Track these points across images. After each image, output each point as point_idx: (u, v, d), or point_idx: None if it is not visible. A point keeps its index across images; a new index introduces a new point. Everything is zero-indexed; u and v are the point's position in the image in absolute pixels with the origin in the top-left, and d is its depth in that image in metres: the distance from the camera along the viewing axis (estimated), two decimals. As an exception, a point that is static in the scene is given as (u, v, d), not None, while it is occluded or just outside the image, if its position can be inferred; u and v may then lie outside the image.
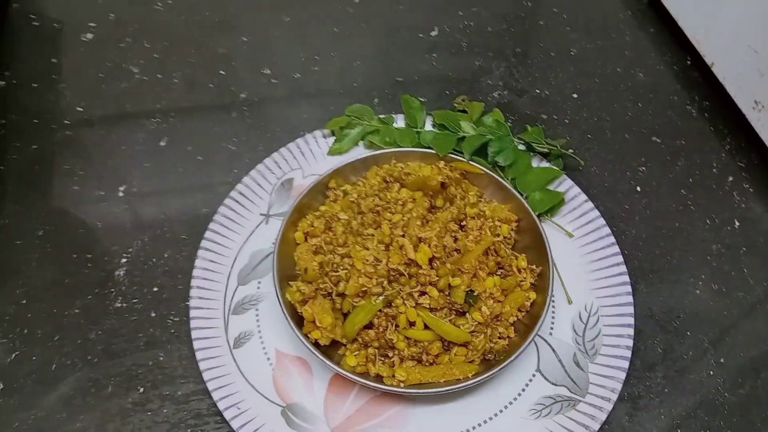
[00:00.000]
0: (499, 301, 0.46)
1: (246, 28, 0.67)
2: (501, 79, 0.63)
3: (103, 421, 0.45)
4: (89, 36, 0.66)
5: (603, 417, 0.44)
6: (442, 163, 0.52)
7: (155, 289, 0.51)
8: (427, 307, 0.44)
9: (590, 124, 0.60)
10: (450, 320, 0.45)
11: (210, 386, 0.45)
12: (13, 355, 0.48)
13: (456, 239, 0.47)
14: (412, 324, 0.45)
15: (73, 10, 0.68)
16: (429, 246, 0.45)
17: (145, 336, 0.49)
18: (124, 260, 0.52)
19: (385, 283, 0.45)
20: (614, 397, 0.45)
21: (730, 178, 0.57)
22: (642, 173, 0.57)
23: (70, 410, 0.46)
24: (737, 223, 0.54)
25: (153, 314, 0.50)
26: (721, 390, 0.47)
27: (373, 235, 0.47)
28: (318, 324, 0.45)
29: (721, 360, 0.48)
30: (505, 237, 0.48)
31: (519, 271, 0.48)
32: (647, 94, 0.62)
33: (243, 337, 0.48)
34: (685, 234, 0.54)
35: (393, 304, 0.45)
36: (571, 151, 0.56)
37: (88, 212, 0.55)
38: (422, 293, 0.45)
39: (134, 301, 0.50)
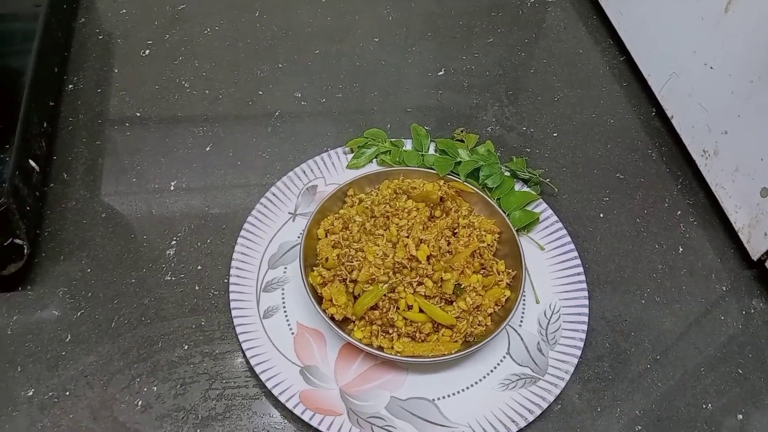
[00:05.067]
0: (480, 295, 0.56)
1: (282, 56, 0.78)
2: (494, 116, 0.75)
3: (155, 370, 0.55)
4: (147, 52, 0.77)
5: (557, 392, 0.54)
6: (441, 182, 0.63)
7: (199, 267, 0.61)
8: (423, 294, 0.55)
9: (566, 159, 0.71)
10: (440, 306, 0.55)
11: (244, 346, 0.55)
12: (79, 313, 0.58)
13: (449, 243, 0.57)
14: (409, 307, 0.55)
15: (133, 29, 0.79)
16: (428, 246, 0.56)
17: (189, 304, 0.59)
18: (173, 242, 0.63)
19: (391, 273, 0.55)
20: (567, 377, 0.55)
21: (679, 212, 0.68)
22: (605, 203, 0.68)
23: (127, 360, 0.56)
24: (681, 249, 0.65)
25: (197, 287, 0.60)
26: (655, 380, 0.57)
27: (382, 235, 0.58)
28: (334, 302, 0.56)
29: (657, 357, 0.59)
30: (488, 244, 0.59)
31: (498, 273, 0.59)
32: (616, 137, 0.74)
33: (271, 310, 0.58)
34: (637, 255, 0.65)
35: (395, 291, 0.55)
36: (548, 180, 0.68)
37: (145, 201, 0.65)
38: (419, 283, 0.55)
39: (181, 276, 0.61)
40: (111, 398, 0.54)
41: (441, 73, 0.78)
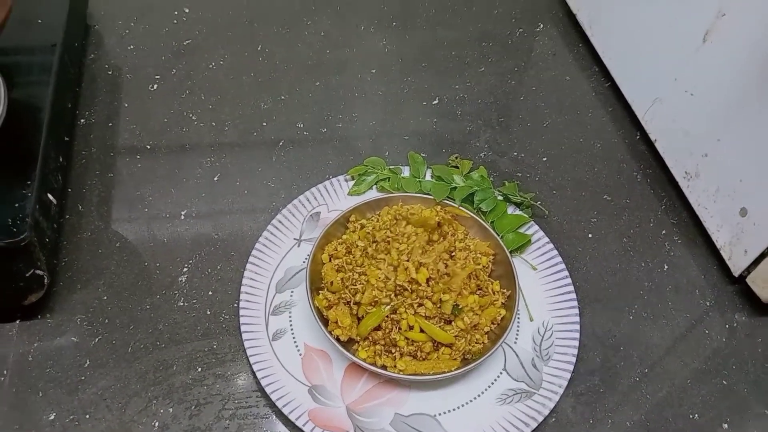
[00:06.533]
0: (477, 314, 0.60)
1: (284, 88, 0.82)
2: (486, 142, 0.78)
3: (170, 392, 0.58)
4: (155, 86, 0.81)
5: (551, 405, 0.58)
6: (438, 207, 0.66)
7: (210, 292, 0.64)
8: (423, 315, 0.58)
9: (555, 182, 0.75)
10: (440, 326, 0.59)
11: (255, 368, 0.58)
12: (97, 339, 0.61)
13: (446, 266, 0.61)
14: (411, 327, 0.58)
15: (141, 64, 0.83)
16: (427, 269, 0.59)
17: (202, 328, 0.62)
18: (185, 269, 0.66)
19: (392, 295, 0.59)
20: (561, 391, 0.58)
21: (664, 231, 0.72)
22: (593, 223, 0.72)
23: (144, 383, 0.59)
24: (666, 267, 0.69)
25: (208, 312, 0.63)
26: (644, 392, 0.60)
27: (384, 259, 0.61)
28: (339, 324, 0.59)
29: (646, 370, 0.62)
30: (484, 266, 0.63)
31: (493, 293, 0.62)
32: (603, 161, 0.77)
33: (279, 333, 0.61)
34: (625, 273, 0.68)
35: (397, 312, 0.58)
36: (539, 203, 0.71)
37: (157, 230, 0.68)
38: (420, 305, 0.59)
39: (193, 301, 0.64)
40: (129, 420, 0.56)
41: (435, 102, 0.82)
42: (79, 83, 0.80)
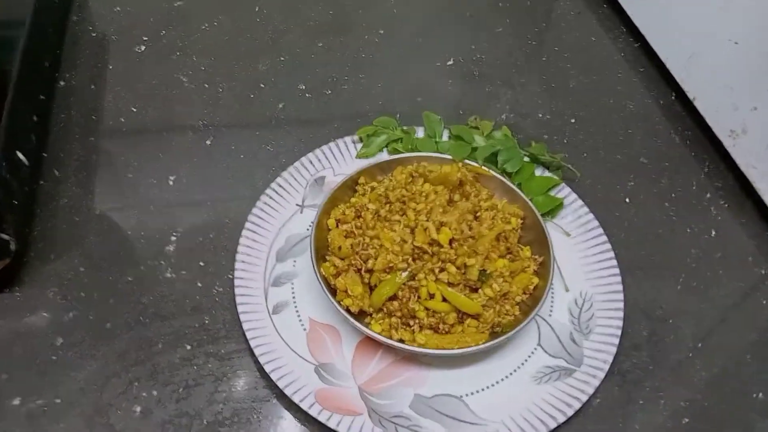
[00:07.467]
0: (507, 281, 0.52)
1: (284, 50, 0.75)
2: (508, 104, 0.71)
3: (154, 373, 0.51)
4: (142, 48, 0.74)
5: (596, 383, 0.50)
6: (460, 164, 0.59)
7: (201, 263, 0.57)
8: (446, 282, 0.51)
9: (586, 145, 0.68)
10: (465, 294, 0.51)
11: (252, 344, 0.50)
12: (71, 314, 0.53)
13: (471, 228, 0.53)
14: (431, 296, 0.51)
15: (128, 27, 0.76)
16: (450, 228, 0.51)
17: (192, 302, 0.55)
18: (173, 238, 0.58)
19: (410, 260, 0.51)
20: (606, 367, 0.51)
21: (708, 195, 0.64)
22: (630, 187, 0.64)
23: (124, 363, 0.51)
24: (713, 233, 0.62)
25: (199, 284, 0.56)
26: (698, 369, 0.53)
27: (399, 221, 0.53)
28: (349, 293, 0.51)
29: (699, 345, 0.54)
30: (514, 228, 0.55)
31: (525, 259, 0.54)
32: (636, 123, 0.70)
33: (280, 306, 0.54)
34: (668, 239, 0.61)
35: (416, 279, 0.51)
36: (569, 165, 0.64)
37: (142, 197, 0.61)
38: (442, 270, 0.51)
39: (182, 272, 0.56)
40: (106, 405, 0.49)
41: (450, 62, 0.75)
42: (60, 44, 0.73)
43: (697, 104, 0.69)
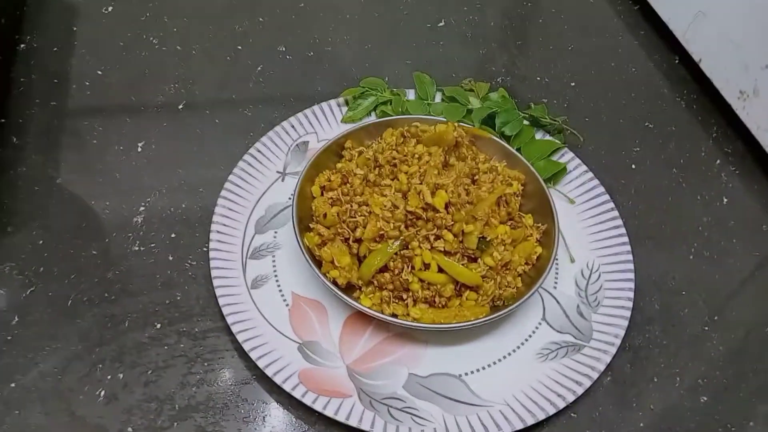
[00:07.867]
0: (509, 250, 0.48)
1: (263, 11, 0.69)
2: (504, 66, 0.67)
3: (120, 354, 0.46)
4: (110, 9, 0.68)
5: (607, 359, 0.46)
6: (456, 123, 0.54)
7: (173, 235, 0.52)
8: (442, 250, 0.46)
9: (588, 109, 0.63)
10: (463, 264, 0.46)
11: (229, 321, 0.46)
12: (29, 291, 0.48)
13: (468, 192, 0.49)
14: (426, 266, 0.46)
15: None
16: (446, 191, 0.47)
17: (162, 277, 0.50)
18: (142, 208, 0.53)
19: (402, 227, 0.47)
20: (617, 342, 0.47)
21: (718, 161, 0.60)
22: (636, 153, 0.60)
23: (87, 343, 0.46)
24: (725, 200, 0.58)
25: (170, 258, 0.51)
26: (715, 343, 0.49)
27: (390, 185, 0.49)
28: (336, 264, 0.47)
29: (716, 317, 0.50)
30: (515, 192, 0.51)
31: (527, 227, 0.50)
32: (639, 86, 0.66)
33: (260, 280, 0.49)
34: (678, 207, 0.57)
35: (409, 247, 0.46)
36: (572, 129, 0.60)
37: (107, 164, 0.56)
38: (437, 237, 0.46)
39: (152, 245, 0.51)
40: (67, 389, 0.44)
41: (441, 24, 0.70)
42: (21, 6, 0.67)
43: (703, 66, 0.65)
